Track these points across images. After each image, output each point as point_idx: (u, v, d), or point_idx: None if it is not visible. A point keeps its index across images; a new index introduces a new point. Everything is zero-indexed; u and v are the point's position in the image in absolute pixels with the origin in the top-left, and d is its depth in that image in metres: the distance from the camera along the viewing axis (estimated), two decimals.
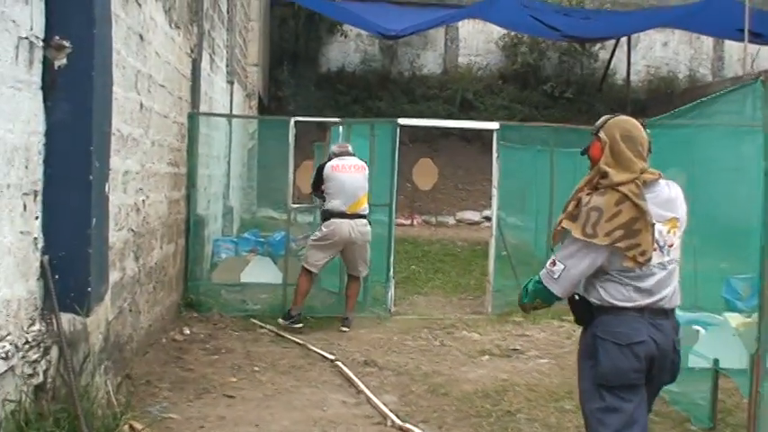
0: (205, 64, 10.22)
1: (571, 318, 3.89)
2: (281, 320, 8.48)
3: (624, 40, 25.00)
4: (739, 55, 26.57)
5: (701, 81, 26.96)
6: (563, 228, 3.64)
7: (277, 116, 18.30)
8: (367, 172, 8.66)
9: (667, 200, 3.63)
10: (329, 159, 8.69)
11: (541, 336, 8.42)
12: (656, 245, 3.54)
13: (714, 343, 6.74)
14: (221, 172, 12.81)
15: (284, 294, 9.17)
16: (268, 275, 10.33)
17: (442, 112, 23.10)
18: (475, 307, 10.13)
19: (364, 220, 8.54)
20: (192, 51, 9.07)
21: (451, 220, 20.81)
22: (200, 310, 8.86)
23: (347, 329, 8.47)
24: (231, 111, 14.02)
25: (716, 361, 6.18)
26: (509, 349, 7.77)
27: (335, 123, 10.16)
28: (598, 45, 25.58)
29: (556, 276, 3.59)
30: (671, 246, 3.60)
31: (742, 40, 19.09)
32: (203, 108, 10.09)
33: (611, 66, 25.87)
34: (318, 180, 8.65)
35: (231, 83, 14.05)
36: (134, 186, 6.36)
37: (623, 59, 25.69)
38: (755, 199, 10.84)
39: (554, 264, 3.61)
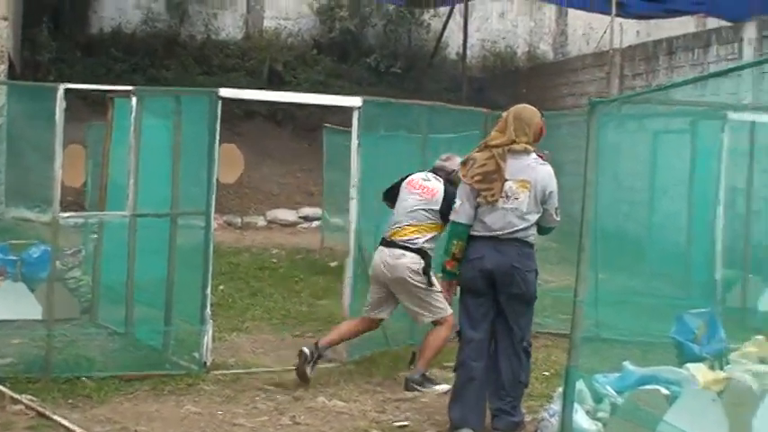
0: None
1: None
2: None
3: (460, 9, 24.08)
4: (584, 29, 26.47)
5: (542, 58, 26.57)
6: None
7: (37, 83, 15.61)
8: (434, 198, 7.13)
9: (526, 167, 5.65)
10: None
11: (429, 395, 6.79)
12: (504, 194, 5.60)
13: (688, 411, 5.40)
14: None
15: (48, 339, 7.02)
16: (21, 310, 8.48)
17: (245, 86, 21.16)
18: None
19: (402, 252, 7.05)
20: None
21: (261, 221, 19.16)
22: None
23: (411, 393, 6.90)
24: None
25: None
26: (395, 427, 6.05)
27: (122, 93, 8.07)
28: (430, 12, 24.54)
29: (457, 209, 5.74)
30: (517, 198, 5.61)
31: (602, 11, 18.48)
32: None
33: (444, 38, 24.92)
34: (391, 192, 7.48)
35: None
36: None
37: (456, 31, 24.82)
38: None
39: (455, 204, 5.80)
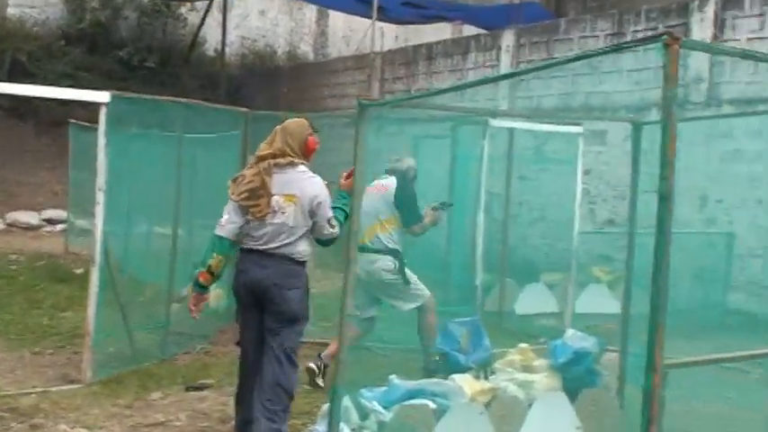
0: None
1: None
2: None
3: (218, 4, 23.52)
4: (344, 32, 26.60)
5: (303, 58, 26.47)
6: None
7: None
8: (387, 192, 7.70)
9: (292, 180, 5.55)
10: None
11: (183, 418, 6.32)
12: (272, 209, 5.51)
13: (456, 426, 5.28)
14: None
15: None
16: None
17: None
18: (63, 368, 7.65)
19: (376, 256, 7.55)
20: None
21: (0, 224, 17.72)
22: None
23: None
24: None
25: None
26: None
27: None
28: (187, 6, 23.80)
29: (223, 223, 5.59)
30: (283, 212, 5.52)
31: (362, 14, 18.51)
32: None
33: (201, 34, 24.27)
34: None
35: None
36: None
37: (214, 27, 24.26)
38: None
39: (222, 218, 5.62)
